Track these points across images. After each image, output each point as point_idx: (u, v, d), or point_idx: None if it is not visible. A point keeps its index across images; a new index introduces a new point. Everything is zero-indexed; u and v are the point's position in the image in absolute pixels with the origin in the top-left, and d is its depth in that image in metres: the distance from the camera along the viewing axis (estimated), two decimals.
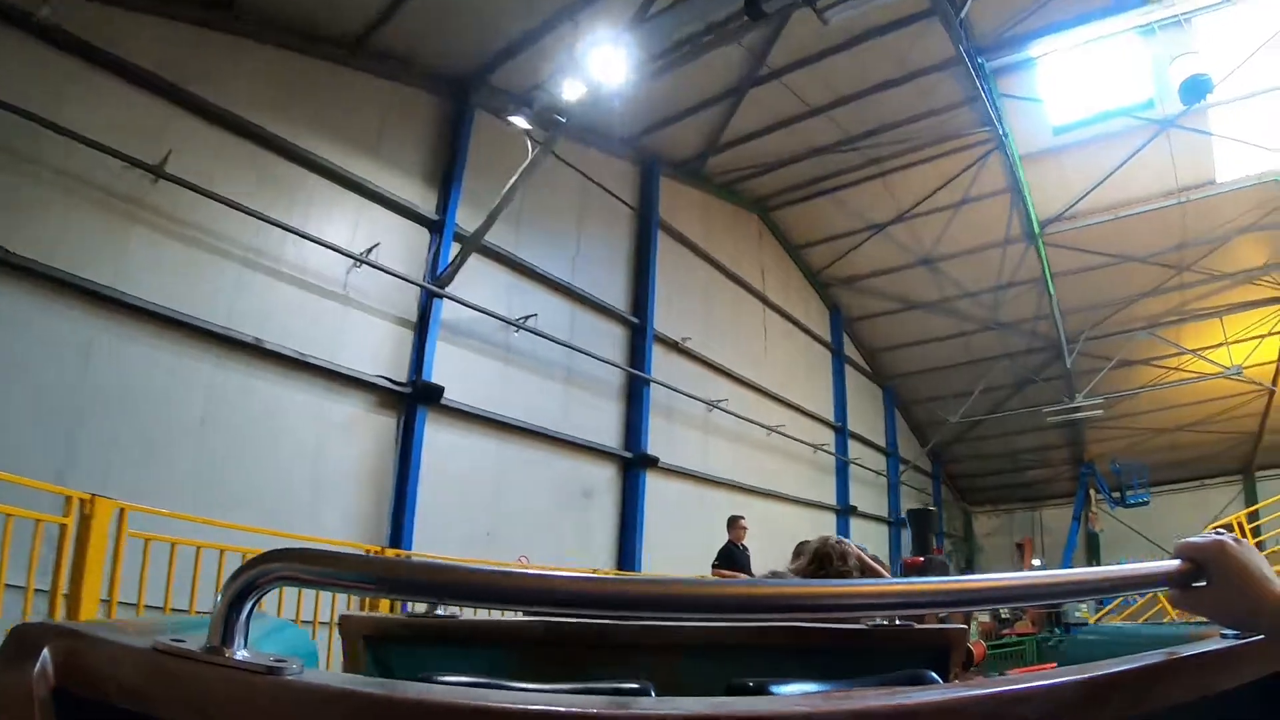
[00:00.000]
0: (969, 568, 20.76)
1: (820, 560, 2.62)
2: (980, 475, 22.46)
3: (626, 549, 10.22)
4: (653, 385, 11.12)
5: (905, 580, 0.93)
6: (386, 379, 7.79)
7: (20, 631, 0.67)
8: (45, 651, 0.65)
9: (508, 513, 8.84)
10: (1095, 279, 14.92)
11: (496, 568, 0.80)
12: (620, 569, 9.84)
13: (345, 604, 4.55)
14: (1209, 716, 0.83)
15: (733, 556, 7.89)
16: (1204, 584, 0.88)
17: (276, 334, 6.91)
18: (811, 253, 15.92)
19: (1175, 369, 16.47)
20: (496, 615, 2.17)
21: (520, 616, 1.77)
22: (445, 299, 8.40)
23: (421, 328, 8.22)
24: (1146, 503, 17.86)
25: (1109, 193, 13.39)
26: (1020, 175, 13.35)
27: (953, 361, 17.81)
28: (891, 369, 18.81)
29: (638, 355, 11.09)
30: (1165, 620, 8.99)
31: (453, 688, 0.77)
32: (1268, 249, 14.10)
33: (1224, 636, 0.87)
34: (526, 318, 9.27)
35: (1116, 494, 18.42)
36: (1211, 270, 14.32)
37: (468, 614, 1.79)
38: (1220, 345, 15.42)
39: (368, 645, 1.63)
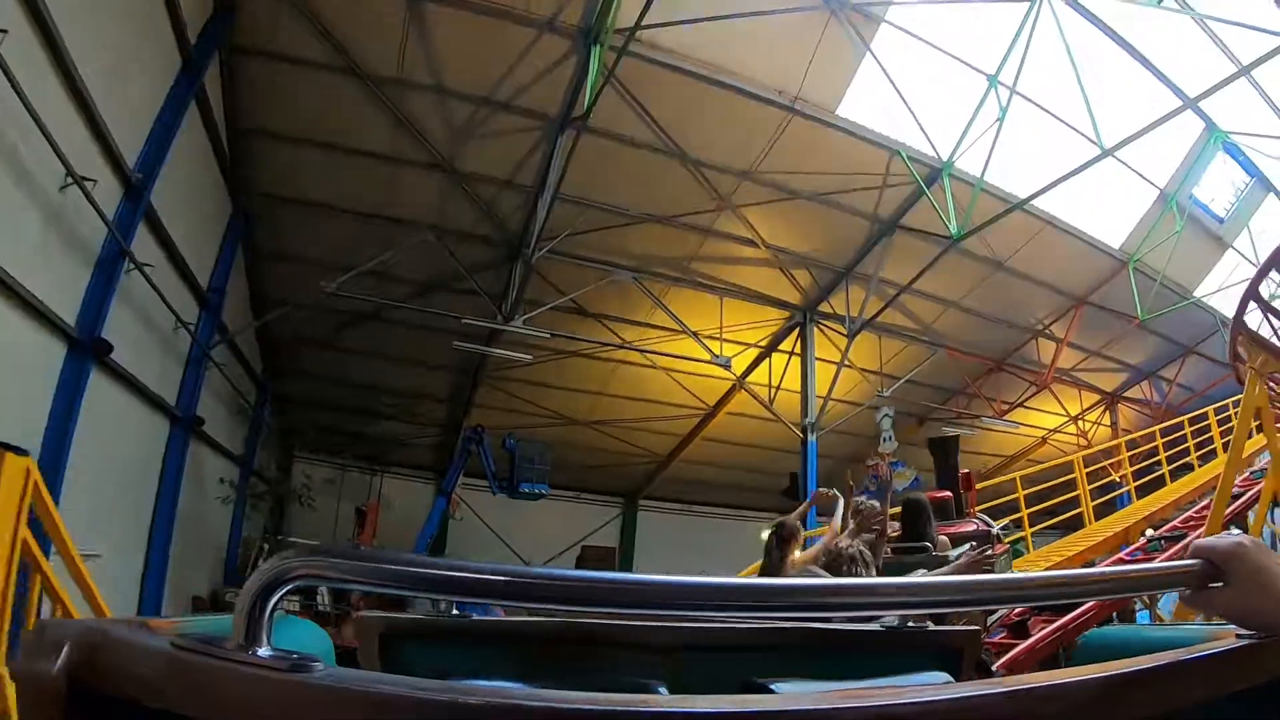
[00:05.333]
0: (275, 520, 14.52)
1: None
2: (318, 408, 15.65)
3: None
4: None
5: (923, 580, 0.82)
6: None
7: (42, 628, 0.66)
8: (67, 648, 0.63)
9: None
10: (622, 160, 10.23)
11: (521, 566, 0.72)
12: None
13: None
14: (1226, 717, 0.82)
15: None
16: (1221, 584, 0.85)
17: None
18: None
19: (632, 344, 13.17)
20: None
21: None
22: None
23: None
24: (543, 495, 14.18)
25: (717, 44, 9.34)
26: None
27: (357, 207, 10.84)
28: (261, 179, 10.56)
29: None
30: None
31: (472, 685, 0.68)
32: (820, 236, 11.74)
33: (1240, 637, 0.85)
34: None
35: (505, 480, 14.31)
36: (754, 228, 11.52)
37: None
38: (700, 334, 12.62)
39: (383, 644, 1.47)
